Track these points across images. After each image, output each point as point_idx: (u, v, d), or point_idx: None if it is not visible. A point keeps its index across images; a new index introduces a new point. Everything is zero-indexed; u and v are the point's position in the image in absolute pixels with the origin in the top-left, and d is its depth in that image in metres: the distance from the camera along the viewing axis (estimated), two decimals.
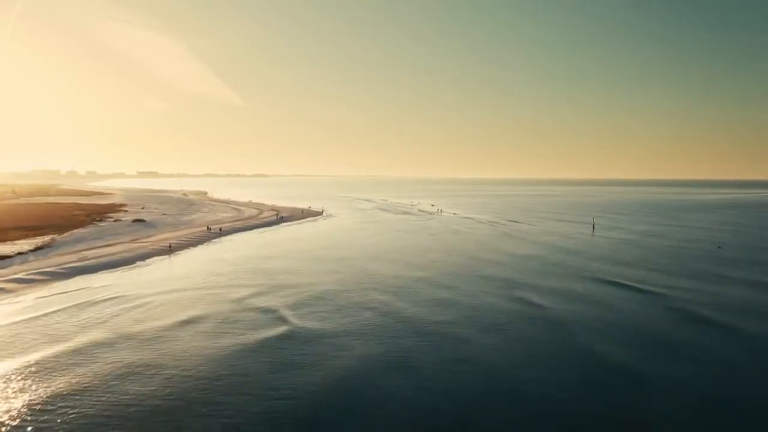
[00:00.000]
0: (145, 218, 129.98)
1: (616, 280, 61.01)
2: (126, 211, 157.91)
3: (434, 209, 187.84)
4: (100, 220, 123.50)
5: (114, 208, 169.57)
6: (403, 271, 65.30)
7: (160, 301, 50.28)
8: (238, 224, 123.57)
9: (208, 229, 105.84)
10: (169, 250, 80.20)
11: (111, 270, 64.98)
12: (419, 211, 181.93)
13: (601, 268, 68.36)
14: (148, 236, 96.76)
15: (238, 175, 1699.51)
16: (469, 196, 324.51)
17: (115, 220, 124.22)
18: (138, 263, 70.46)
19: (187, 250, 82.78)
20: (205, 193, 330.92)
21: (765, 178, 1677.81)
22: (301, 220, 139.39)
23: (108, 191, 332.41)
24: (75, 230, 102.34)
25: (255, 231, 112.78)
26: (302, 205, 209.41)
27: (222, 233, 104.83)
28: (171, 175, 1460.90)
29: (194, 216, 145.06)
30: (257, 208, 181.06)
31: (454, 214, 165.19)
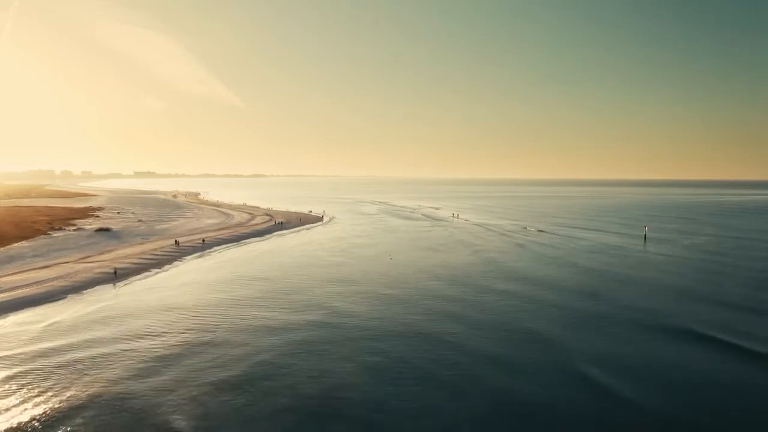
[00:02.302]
0: (112, 226, 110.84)
1: (722, 336, 40.91)
2: (97, 216, 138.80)
3: (442, 213, 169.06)
4: (59, 229, 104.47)
5: (86, 212, 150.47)
6: (403, 320, 45.81)
7: (35, 373, 31.46)
8: (222, 234, 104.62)
9: (177, 243, 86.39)
10: (114, 276, 60.76)
11: (21, 311, 45.85)
12: (423, 215, 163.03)
13: (688, 312, 48.58)
14: (103, 252, 77.78)
15: (236, 176, 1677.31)
16: (474, 197, 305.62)
17: (76, 229, 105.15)
18: (67, 297, 51.34)
19: (139, 275, 62.64)
20: (197, 194, 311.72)
21: (766, 179, 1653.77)
22: (297, 228, 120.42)
23: (94, 192, 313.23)
24: (17, 243, 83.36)
25: (240, 244, 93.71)
26: (300, 208, 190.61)
27: (200, 247, 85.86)
28: (168, 175, 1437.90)
29: (173, 223, 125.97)
30: (249, 213, 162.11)
31: (466, 220, 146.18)
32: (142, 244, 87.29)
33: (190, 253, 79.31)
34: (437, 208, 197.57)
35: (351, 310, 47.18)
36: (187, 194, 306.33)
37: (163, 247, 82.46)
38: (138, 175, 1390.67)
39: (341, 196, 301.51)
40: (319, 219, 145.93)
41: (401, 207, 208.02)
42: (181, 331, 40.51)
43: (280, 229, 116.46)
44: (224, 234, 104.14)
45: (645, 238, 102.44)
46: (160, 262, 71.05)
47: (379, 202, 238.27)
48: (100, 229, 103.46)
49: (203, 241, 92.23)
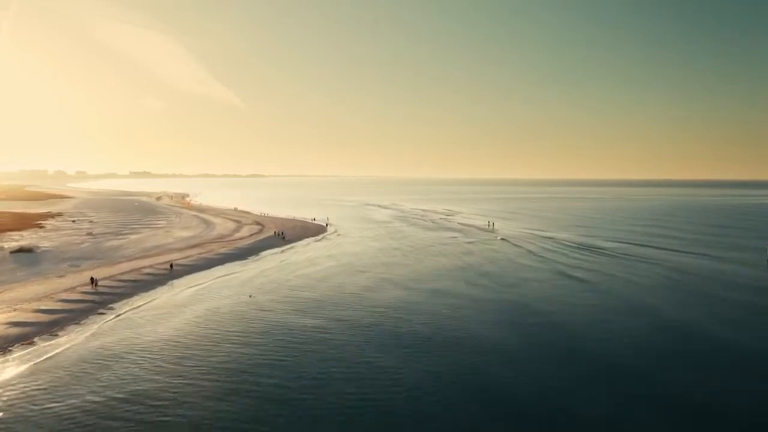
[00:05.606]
0: (43, 244, 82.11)
1: None
2: (42, 226, 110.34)
3: (458, 219, 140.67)
4: None
5: (34, 220, 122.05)
6: None
7: None
8: (190, 255, 76.43)
9: (93, 283, 54.56)
10: None
11: None
12: (434, 222, 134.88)
13: None
14: None
15: (234, 176, 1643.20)
16: (484, 200, 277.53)
17: None
18: None
19: None
20: (185, 196, 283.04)
21: (766, 179, 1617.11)
22: (292, 244, 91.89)
23: (71, 194, 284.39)
24: None
25: (211, 271, 65.34)
26: (299, 213, 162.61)
27: (145, 284, 57.58)
28: (165, 176, 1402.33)
29: (133, 237, 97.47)
30: (236, 221, 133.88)
31: (490, 230, 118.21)
32: (61, 277, 58.80)
33: (119, 299, 50.46)
34: (450, 214, 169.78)
35: None
36: (173, 196, 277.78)
37: (75, 288, 53.75)
38: (134, 175, 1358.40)
39: (344, 198, 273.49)
40: (323, 229, 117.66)
41: (412, 211, 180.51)
42: None
43: (272, 246, 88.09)
44: (192, 255, 75.82)
45: None
46: (59, 319, 42.29)
47: (387, 206, 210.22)
48: (20, 250, 74.80)
49: (171, 266, 64.80)
